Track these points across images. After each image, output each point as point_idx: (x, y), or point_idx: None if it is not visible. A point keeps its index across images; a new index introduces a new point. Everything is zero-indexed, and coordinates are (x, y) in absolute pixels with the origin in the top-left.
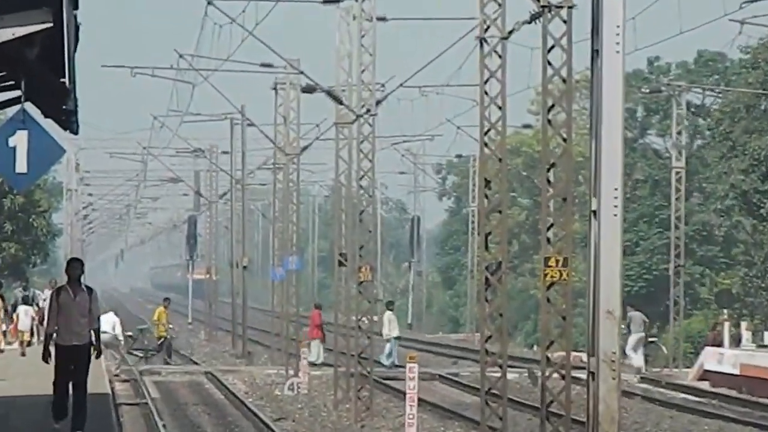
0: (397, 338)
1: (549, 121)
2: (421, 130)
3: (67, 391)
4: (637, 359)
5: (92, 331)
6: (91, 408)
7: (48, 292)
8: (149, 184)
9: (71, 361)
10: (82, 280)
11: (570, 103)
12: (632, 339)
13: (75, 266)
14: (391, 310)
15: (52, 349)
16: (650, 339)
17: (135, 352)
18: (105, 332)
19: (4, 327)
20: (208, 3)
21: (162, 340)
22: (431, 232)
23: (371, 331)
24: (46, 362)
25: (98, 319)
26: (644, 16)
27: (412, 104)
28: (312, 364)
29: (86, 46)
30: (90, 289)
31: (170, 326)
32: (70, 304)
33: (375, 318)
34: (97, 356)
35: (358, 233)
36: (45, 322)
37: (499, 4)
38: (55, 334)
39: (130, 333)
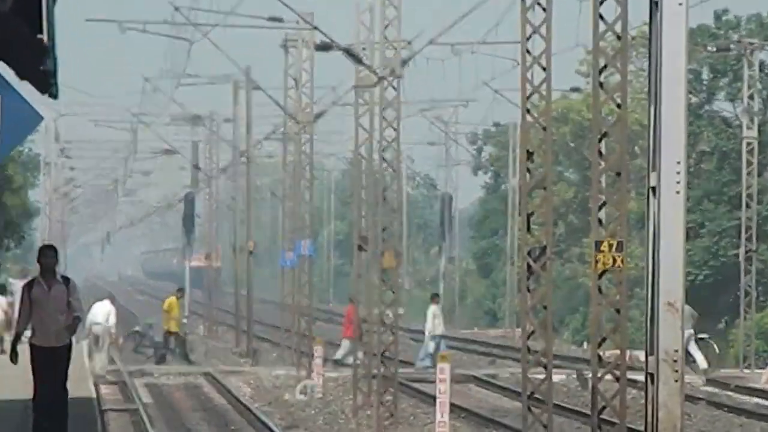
0: (443, 337)
1: (601, 84)
2: (453, 95)
3: (49, 401)
4: (700, 359)
5: (72, 319)
6: (73, 414)
7: (20, 284)
8: (140, 156)
9: (50, 365)
10: (57, 270)
11: (625, 63)
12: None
13: (48, 255)
14: (436, 303)
15: (22, 349)
16: (700, 336)
17: (143, 350)
18: (98, 324)
19: None
20: None
21: (172, 336)
22: (465, 212)
23: (396, 326)
24: (14, 363)
25: (79, 310)
26: None
27: (443, 65)
28: (341, 364)
29: None
30: (67, 280)
31: (184, 320)
32: (45, 299)
33: (401, 311)
34: (71, 330)
35: (380, 213)
36: (16, 320)
37: None
38: (30, 334)
39: (137, 328)
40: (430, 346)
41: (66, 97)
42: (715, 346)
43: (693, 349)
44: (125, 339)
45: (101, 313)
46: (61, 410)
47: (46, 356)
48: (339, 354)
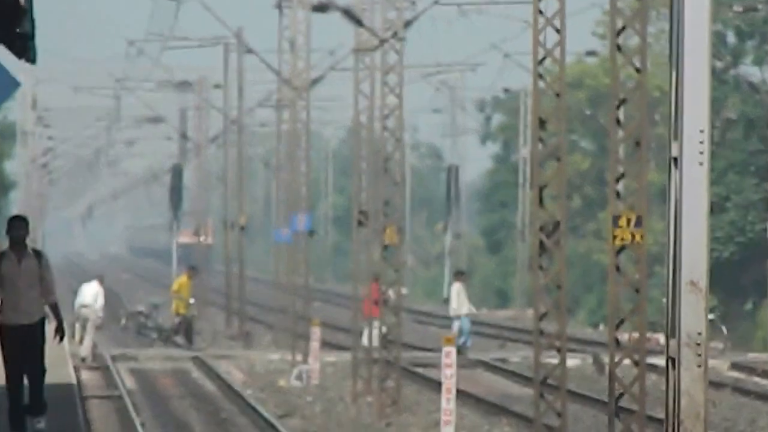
0: (468, 316)
1: (619, 47)
2: (460, 59)
3: (23, 384)
4: None
5: (49, 307)
6: (52, 401)
7: None
8: (124, 125)
9: (21, 345)
10: (27, 243)
11: (644, 24)
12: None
13: (18, 226)
14: (461, 281)
15: None
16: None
17: (148, 333)
18: (86, 305)
19: None
20: None
21: (181, 318)
22: (472, 185)
23: (399, 307)
24: None
25: (53, 289)
26: None
27: (449, 26)
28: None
29: None
30: (39, 254)
31: (191, 302)
32: (15, 273)
33: (404, 290)
34: (61, 339)
35: (382, 186)
36: None
37: None
38: None
39: (141, 309)
40: (455, 325)
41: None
42: (724, 329)
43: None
44: (127, 320)
45: (89, 295)
46: (37, 394)
47: (18, 335)
48: (366, 340)
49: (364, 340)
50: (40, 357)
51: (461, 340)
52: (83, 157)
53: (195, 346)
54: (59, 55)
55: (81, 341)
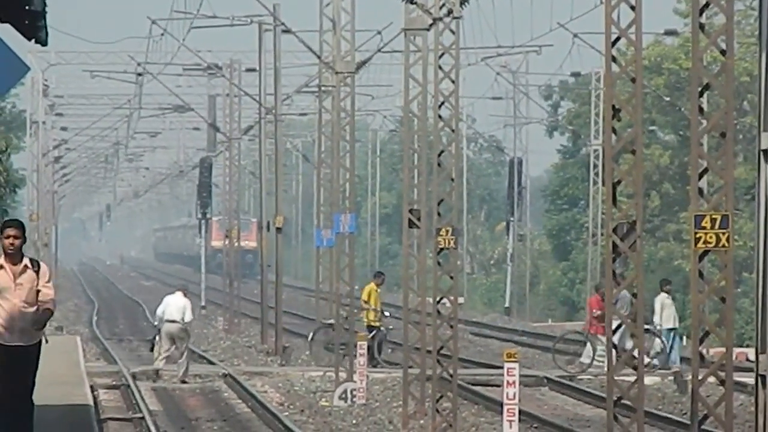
0: (673, 329)
1: (702, 27)
2: (523, 40)
3: (12, 409)
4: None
5: (42, 311)
6: (67, 424)
7: None
8: (146, 114)
9: (14, 367)
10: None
11: (731, 0)
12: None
13: (13, 233)
14: (667, 291)
15: None
16: (645, 327)
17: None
18: (173, 321)
19: None
20: None
21: (375, 331)
22: (538, 181)
23: (455, 319)
24: None
25: (52, 304)
26: None
27: (511, 3)
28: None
29: None
30: (36, 264)
31: (386, 314)
32: (9, 287)
33: (461, 299)
34: (38, 327)
35: (435, 182)
36: None
37: None
38: None
39: (331, 321)
40: (657, 343)
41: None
42: (663, 340)
43: (617, 339)
44: (315, 333)
45: (175, 309)
46: (24, 422)
47: (10, 357)
48: (586, 358)
49: (584, 359)
50: (31, 384)
51: (671, 358)
52: (100, 150)
53: (381, 362)
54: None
55: (159, 356)
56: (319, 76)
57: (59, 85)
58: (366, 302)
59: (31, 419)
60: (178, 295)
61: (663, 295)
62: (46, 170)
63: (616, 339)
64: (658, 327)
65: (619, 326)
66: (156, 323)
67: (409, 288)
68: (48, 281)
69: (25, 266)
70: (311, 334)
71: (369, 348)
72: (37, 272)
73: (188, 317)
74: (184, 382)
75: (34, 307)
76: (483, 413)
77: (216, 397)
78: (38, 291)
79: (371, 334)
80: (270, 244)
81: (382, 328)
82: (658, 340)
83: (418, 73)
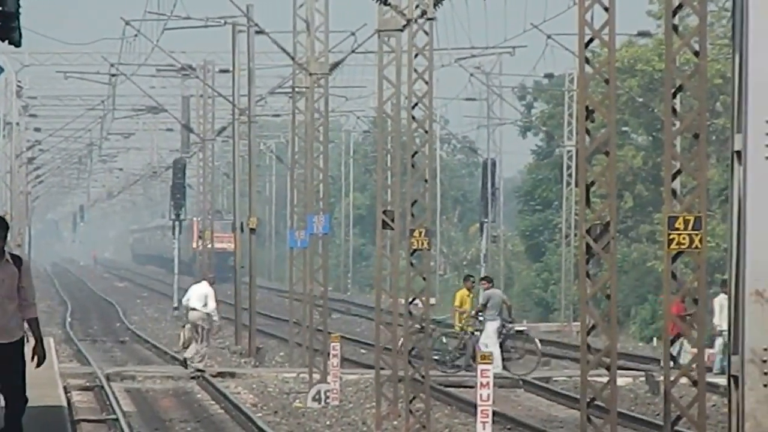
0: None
1: (675, 28)
2: (497, 41)
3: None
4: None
5: (28, 322)
6: (40, 425)
7: None
8: (119, 115)
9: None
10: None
11: (704, 2)
12: (489, 328)
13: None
14: (726, 292)
15: None
16: (518, 329)
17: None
18: (195, 309)
19: None
20: None
21: (465, 336)
22: (512, 182)
23: (427, 319)
24: None
25: (33, 301)
26: None
27: (484, 4)
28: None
29: None
30: (18, 260)
31: (479, 317)
32: None
33: (432, 300)
34: (39, 363)
35: (409, 183)
36: None
37: None
38: None
39: (440, 323)
40: (718, 342)
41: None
42: (538, 342)
43: (493, 344)
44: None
45: (197, 297)
46: (15, 421)
47: None
48: (680, 356)
49: (684, 360)
50: (21, 379)
51: (722, 364)
52: (74, 151)
53: (471, 367)
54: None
55: (185, 345)
56: (292, 78)
57: (33, 86)
58: (459, 307)
59: (21, 416)
60: (203, 283)
61: (723, 296)
62: (19, 171)
63: (484, 341)
64: (719, 328)
65: (677, 336)
66: (183, 312)
67: (382, 289)
68: (29, 278)
69: (7, 262)
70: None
71: (461, 351)
72: (19, 268)
73: (211, 305)
74: (199, 370)
75: (15, 303)
76: (456, 414)
77: (189, 398)
78: (20, 288)
79: (463, 339)
80: (243, 245)
81: (475, 333)
82: (719, 341)
83: (392, 74)
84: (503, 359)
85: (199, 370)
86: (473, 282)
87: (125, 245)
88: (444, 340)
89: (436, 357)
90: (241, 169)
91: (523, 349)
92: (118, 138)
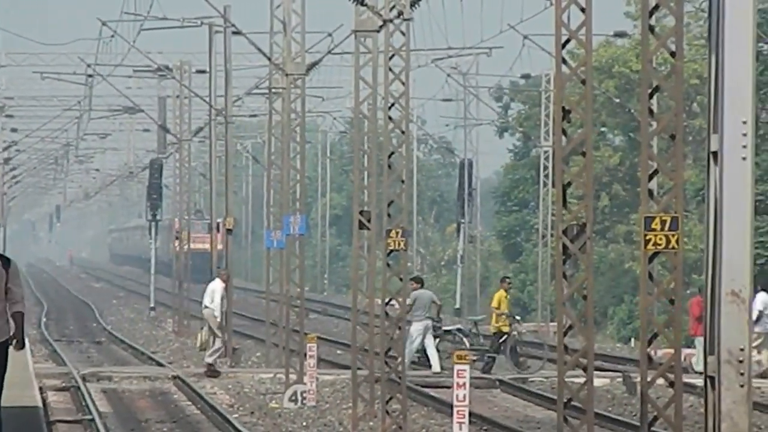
0: None
1: (652, 28)
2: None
3: None
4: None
5: (13, 316)
6: (16, 426)
7: None
8: (96, 115)
9: None
10: None
11: (681, 2)
12: (413, 328)
13: None
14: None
15: None
16: (447, 329)
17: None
18: (206, 307)
19: None
20: None
21: (502, 337)
22: (488, 182)
23: (404, 320)
24: None
25: (21, 299)
26: None
27: (461, 5)
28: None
29: None
30: (7, 261)
31: (517, 318)
32: None
33: (409, 300)
34: (18, 347)
35: (386, 184)
36: None
37: None
38: None
39: (457, 327)
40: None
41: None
42: (467, 342)
43: (429, 345)
44: (440, 339)
45: (207, 294)
46: None
47: None
48: (698, 363)
49: (698, 367)
50: (2, 379)
51: None
52: (50, 151)
53: (526, 370)
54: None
55: (202, 348)
56: (269, 78)
57: (9, 86)
58: (497, 308)
59: None
60: (215, 281)
61: (764, 293)
62: None
63: (411, 343)
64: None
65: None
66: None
67: (358, 289)
68: (17, 279)
69: None
70: (436, 340)
71: (497, 353)
72: (7, 270)
73: (215, 301)
74: (212, 369)
75: (2, 303)
76: (433, 415)
77: (166, 399)
78: (8, 289)
79: (501, 340)
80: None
81: (513, 333)
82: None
83: (369, 75)
84: (434, 358)
85: (209, 365)
86: (510, 283)
87: (102, 245)
88: (482, 340)
89: (474, 357)
90: (218, 170)
91: (455, 349)
92: (95, 138)
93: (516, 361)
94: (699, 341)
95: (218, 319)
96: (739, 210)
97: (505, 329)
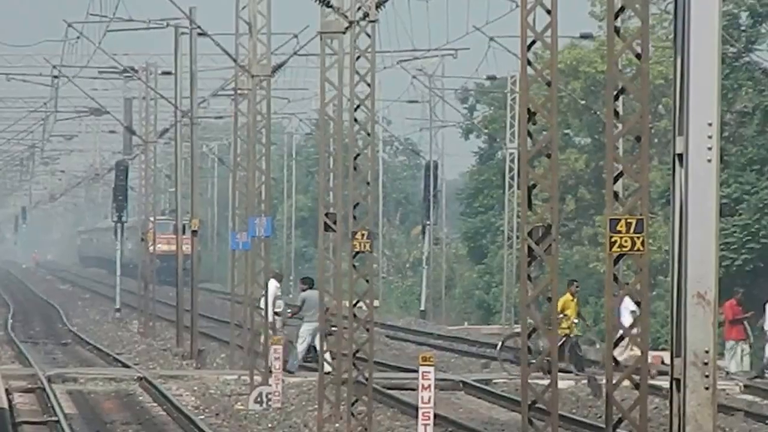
0: None
1: (617, 30)
2: (439, 43)
3: None
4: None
5: None
6: None
7: None
8: (62, 117)
9: None
10: None
11: (646, 4)
12: (302, 328)
13: None
14: None
15: None
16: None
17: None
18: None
19: None
20: None
21: (563, 339)
22: (454, 184)
23: (371, 322)
24: None
25: None
26: None
27: (426, 6)
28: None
29: None
30: None
31: (580, 321)
32: None
33: (376, 303)
34: None
35: (351, 186)
36: None
37: None
38: None
39: (517, 330)
40: None
41: None
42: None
43: (309, 343)
44: (504, 342)
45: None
46: None
47: None
48: (732, 364)
49: (732, 367)
50: None
51: None
52: (15, 153)
53: (585, 372)
54: None
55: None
56: (235, 80)
57: None
58: (563, 313)
59: None
60: (271, 281)
61: None
62: None
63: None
64: None
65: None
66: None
67: (325, 291)
68: None
69: None
70: (499, 344)
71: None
72: None
73: (278, 304)
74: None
75: None
76: (398, 417)
77: (131, 400)
78: None
79: (560, 342)
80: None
81: (571, 336)
82: None
83: (334, 77)
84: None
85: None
86: (578, 287)
87: (70, 247)
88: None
89: (533, 361)
90: (184, 171)
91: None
92: (61, 140)
93: (576, 362)
94: (729, 345)
95: (278, 320)
96: (705, 212)
97: (566, 331)
